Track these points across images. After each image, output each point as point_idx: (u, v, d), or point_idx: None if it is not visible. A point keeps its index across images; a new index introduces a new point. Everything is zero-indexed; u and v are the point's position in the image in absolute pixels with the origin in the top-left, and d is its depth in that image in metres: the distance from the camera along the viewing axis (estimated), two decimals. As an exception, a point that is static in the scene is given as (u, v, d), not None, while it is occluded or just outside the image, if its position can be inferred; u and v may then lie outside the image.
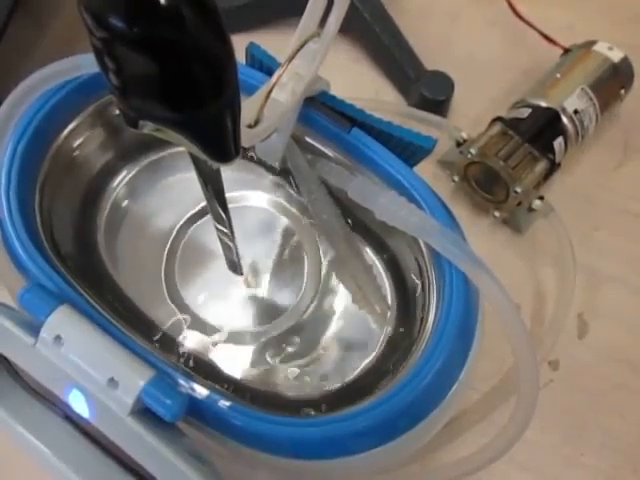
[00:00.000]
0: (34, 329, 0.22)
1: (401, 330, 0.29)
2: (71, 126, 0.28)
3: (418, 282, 0.28)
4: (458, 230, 0.26)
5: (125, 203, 0.31)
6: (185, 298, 0.30)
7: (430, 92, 0.41)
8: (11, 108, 0.24)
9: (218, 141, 0.18)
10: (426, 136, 0.29)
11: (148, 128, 0.18)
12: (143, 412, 0.22)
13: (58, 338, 0.22)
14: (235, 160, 0.18)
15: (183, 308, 0.30)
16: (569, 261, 0.36)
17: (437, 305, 0.26)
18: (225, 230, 0.25)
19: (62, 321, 0.22)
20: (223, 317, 0.30)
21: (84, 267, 0.27)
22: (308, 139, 0.29)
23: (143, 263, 0.31)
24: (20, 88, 0.24)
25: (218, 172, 0.22)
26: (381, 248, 0.30)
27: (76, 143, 0.28)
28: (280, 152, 0.28)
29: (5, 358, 0.28)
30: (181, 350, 0.29)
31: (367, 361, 0.29)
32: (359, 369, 0.30)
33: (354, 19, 0.43)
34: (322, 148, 0.28)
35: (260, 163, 0.32)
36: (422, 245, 0.27)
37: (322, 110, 0.27)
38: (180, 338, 0.29)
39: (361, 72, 0.45)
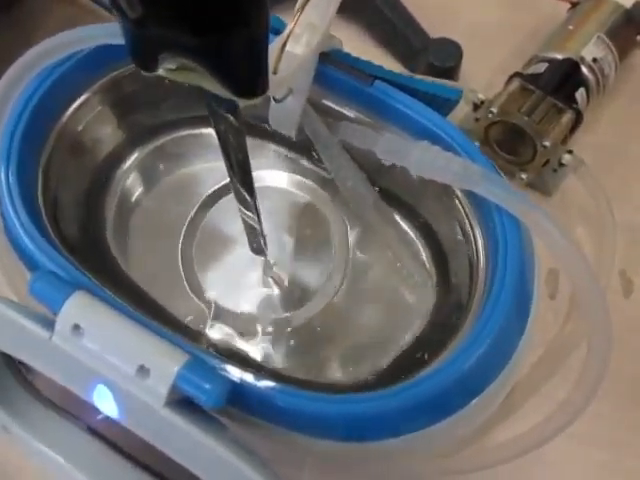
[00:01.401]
0: (47, 322, 0.20)
1: (447, 298, 0.26)
2: (75, 104, 0.26)
3: (461, 242, 0.25)
4: (501, 177, 0.24)
5: (135, 189, 0.29)
6: (206, 288, 0.28)
7: (438, 60, 0.39)
8: (8, 86, 0.22)
9: (244, 73, 0.15)
10: (451, 87, 0.27)
11: (166, 66, 0.16)
12: (180, 402, 0.19)
13: (77, 328, 0.19)
14: (260, 98, 0.16)
15: (205, 298, 0.28)
16: (606, 215, 0.33)
17: (486, 265, 0.24)
18: (249, 209, 0.24)
19: (80, 308, 0.19)
20: (248, 305, 0.28)
21: (91, 257, 0.25)
22: (325, 102, 0.26)
23: (157, 253, 0.28)
24: (17, 65, 0.22)
25: (242, 135, 0.20)
26: (412, 215, 0.28)
27: (82, 123, 0.26)
28: (297, 117, 0.26)
29: (18, 370, 0.26)
30: (207, 343, 0.27)
31: (411, 336, 0.27)
32: (403, 346, 0.27)
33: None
34: (341, 109, 0.26)
35: (273, 139, 0.30)
36: (462, 201, 0.25)
37: (339, 65, 0.25)
38: (205, 330, 0.27)
39: (363, 49, 0.43)
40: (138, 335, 0.19)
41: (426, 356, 0.25)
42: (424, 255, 0.28)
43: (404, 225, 0.28)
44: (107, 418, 0.21)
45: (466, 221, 0.25)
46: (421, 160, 0.23)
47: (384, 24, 0.41)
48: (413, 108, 0.24)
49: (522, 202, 0.21)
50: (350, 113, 0.26)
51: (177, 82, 0.17)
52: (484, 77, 0.43)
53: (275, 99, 0.24)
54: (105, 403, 0.20)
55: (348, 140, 0.26)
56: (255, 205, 0.23)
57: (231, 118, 0.20)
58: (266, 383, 0.20)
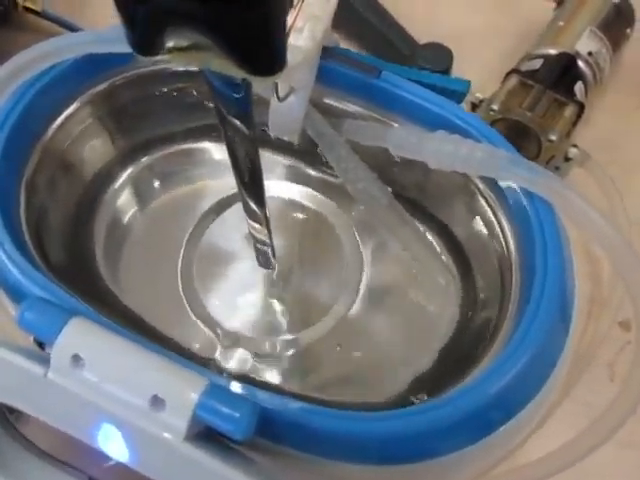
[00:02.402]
0: (40, 358, 0.17)
1: (474, 305, 0.24)
2: (61, 118, 0.24)
3: (486, 240, 0.24)
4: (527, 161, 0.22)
5: (127, 208, 0.27)
6: (211, 311, 0.26)
7: (429, 64, 0.38)
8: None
9: (261, 46, 0.14)
10: (458, 79, 0.26)
11: (172, 45, 0.14)
12: (201, 436, 0.16)
13: (76, 359, 0.17)
14: (278, 75, 0.14)
15: (211, 322, 0.25)
16: (617, 205, 0.32)
17: (520, 264, 0.22)
18: (259, 222, 0.22)
19: (78, 335, 0.17)
20: (258, 326, 0.26)
21: (80, 283, 0.22)
22: (327, 100, 0.25)
23: (154, 277, 0.26)
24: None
25: (254, 143, 0.19)
26: (427, 216, 0.26)
27: (69, 138, 0.24)
28: (299, 118, 0.24)
29: (5, 418, 0.22)
30: (218, 370, 0.24)
31: (435, 350, 0.25)
32: (427, 361, 0.25)
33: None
34: (345, 107, 0.25)
35: (272, 147, 0.28)
36: (485, 195, 0.23)
37: (342, 59, 0.24)
38: (215, 356, 0.24)
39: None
40: (148, 362, 0.17)
41: (456, 370, 0.23)
42: (444, 256, 0.26)
43: (421, 226, 0.26)
44: (115, 465, 0.18)
45: (491, 216, 0.23)
46: (439, 151, 0.21)
47: (371, 33, 0.41)
48: (424, 97, 0.23)
49: (555, 183, 0.20)
50: (355, 109, 0.25)
51: (179, 68, 0.15)
52: (475, 80, 0.41)
53: (278, 97, 0.22)
54: (112, 445, 0.17)
55: (355, 139, 0.24)
56: (265, 217, 0.22)
57: (241, 125, 0.18)
58: (297, 405, 0.17)
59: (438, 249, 0.26)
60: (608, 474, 0.29)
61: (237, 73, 0.14)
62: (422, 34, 0.42)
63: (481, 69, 0.43)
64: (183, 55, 0.14)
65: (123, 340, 0.17)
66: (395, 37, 0.40)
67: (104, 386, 0.16)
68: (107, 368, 0.16)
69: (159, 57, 0.15)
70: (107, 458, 0.18)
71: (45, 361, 0.17)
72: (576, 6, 0.38)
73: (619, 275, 0.20)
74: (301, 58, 0.21)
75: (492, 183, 0.23)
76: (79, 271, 0.24)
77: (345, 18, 0.41)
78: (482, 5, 0.45)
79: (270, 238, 0.23)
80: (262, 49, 0.14)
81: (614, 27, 0.37)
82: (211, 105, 0.28)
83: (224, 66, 0.14)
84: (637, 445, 0.29)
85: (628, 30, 0.38)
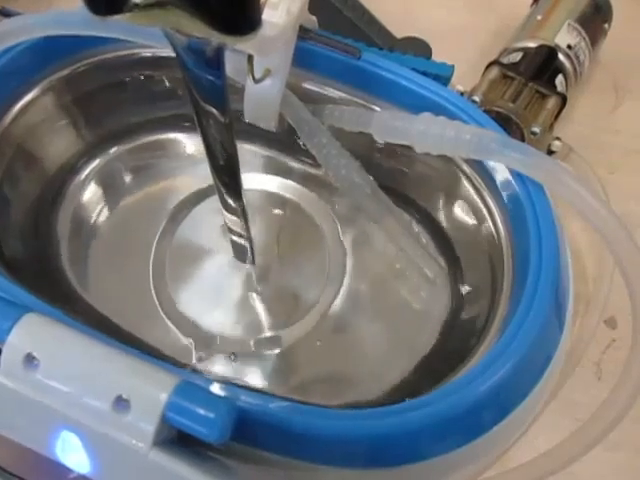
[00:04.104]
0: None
1: (464, 297, 0.23)
2: (20, 104, 0.22)
3: (474, 228, 0.23)
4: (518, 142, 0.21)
5: (93, 203, 0.25)
6: (186, 310, 0.24)
7: (408, 58, 0.38)
8: None
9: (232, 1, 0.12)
10: (442, 63, 0.25)
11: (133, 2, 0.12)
12: (171, 441, 0.15)
13: (30, 359, 0.15)
14: (253, 34, 0.13)
15: (185, 324, 0.24)
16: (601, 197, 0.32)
17: (512, 251, 0.21)
18: (236, 215, 0.21)
19: (32, 333, 0.15)
20: (235, 325, 0.24)
21: (42, 283, 0.21)
22: (307, 85, 0.24)
23: (123, 276, 0.24)
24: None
25: (230, 131, 0.18)
26: (411, 205, 0.25)
27: (28, 126, 0.22)
28: (276, 104, 0.23)
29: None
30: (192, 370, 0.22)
31: (425, 345, 0.24)
32: (416, 358, 0.24)
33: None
34: (325, 92, 0.23)
35: (248, 137, 0.27)
36: (473, 180, 0.22)
37: (321, 40, 0.22)
38: (189, 360, 0.22)
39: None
40: (111, 359, 0.15)
41: (445, 367, 0.21)
42: (432, 246, 0.25)
43: (406, 215, 0.25)
44: (76, 478, 0.16)
45: (479, 202, 0.22)
46: (426, 133, 0.20)
47: (348, 27, 0.40)
48: (409, 78, 0.22)
49: (548, 164, 0.19)
50: (335, 94, 0.23)
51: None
52: (454, 74, 0.42)
53: (254, 78, 0.21)
54: (72, 455, 0.15)
55: (337, 124, 0.23)
56: (243, 209, 0.21)
57: (216, 111, 0.17)
58: (278, 404, 0.16)
59: (424, 240, 0.25)
60: (597, 476, 0.28)
61: (207, 34, 0.13)
62: (399, 30, 0.41)
63: (459, 65, 0.43)
64: (145, 15, 0.13)
65: (82, 337, 0.15)
66: (371, 30, 0.39)
67: (61, 388, 0.14)
68: (64, 368, 0.15)
69: (118, 17, 0.13)
70: (67, 470, 0.16)
71: (-5, 363, 0.15)
72: (554, 1, 0.37)
73: (614, 257, 0.20)
74: (276, 32, 0.20)
75: (479, 167, 0.22)
76: (40, 270, 0.22)
77: (322, 13, 0.40)
78: (459, 1, 0.45)
79: (248, 231, 0.22)
80: (232, 5, 0.12)
81: (592, 21, 0.37)
82: (182, 93, 0.26)
83: (193, 26, 0.13)
84: (625, 446, 0.28)
85: (605, 25, 0.38)
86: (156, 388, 0.14)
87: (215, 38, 0.13)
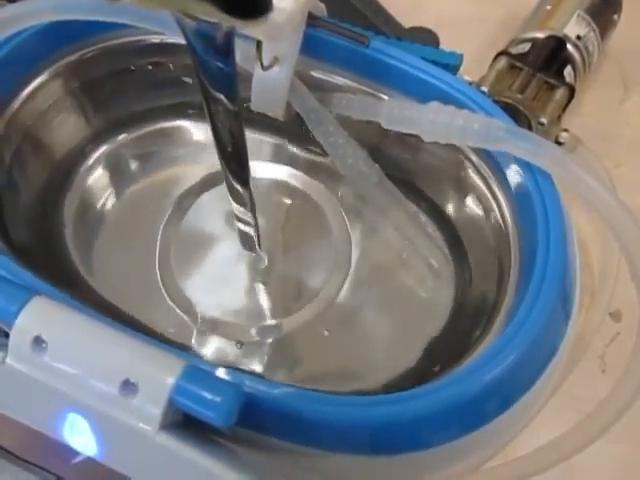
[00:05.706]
0: (-2, 342, 0.16)
1: (469, 288, 0.23)
2: (29, 89, 0.22)
3: (480, 219, 0.22)
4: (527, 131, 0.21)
5: (100, 189, 0.25)
6: (190, 296, 0.24)
7: (415, 48, 0.38)
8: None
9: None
10: (450, 52, 0.25)
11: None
12: (178, 425, 0.15)
13: (38, 341, 0.15)
14: (264, 18, 0.13)
15: (189, 308, 0.24)
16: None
17: (519, 243, 0.20)
18: (243, 204, 0.21)
19: (40, 315, 0.15)
20: (240, 311, 0.24)
21: (47, 266, 0.21)
22: (313, 73, 0.24)
23: (128, 262, 0.24)
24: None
25: (239, 118, 0.18)
26: (419, 195, 0.25)
27: (37, 111, 0.22)
28: (284, 92, 0.23)
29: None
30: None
31: (430, 337, 0.24)
32: (421, 348, 0.24)
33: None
34: (333, 80, 0.23)
35: (258, 127, 0.27)
36: (481, 170, 0.22)
37: (329, 27, 0.22)
38: (191, 342, 0.23)
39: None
40: (118, 343, 0.15)
41: (451, 357, 0.21)
42: (438, 236, 0.25)
43: (413, 206, 0.25)
44: (84, 460, 0.16)
45: (486, 191, 0.22)
46: (434, 122, 0.20)
47: (352, 15, 0.39)
48: (418, 67, 0.21)
49: (557, 154, 0.19)
50: (343, 82, 0.23)
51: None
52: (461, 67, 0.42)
53: (262, 65, 0.21)
54: (79, 438, 0.15)
55: (345, 113, 0.23)
56: (250, 197, 0.21)
57: (225, 99, 0.17)
58: (284, 390, 0.16)
59: (430, 230, 0.25)
60: (597, 469, 0.28)
61: (217, 17, 0.13)
62: (406, 20, 0.41)
63: (466, 55, 0.43)
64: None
65: (90, 320, 0.15)
66: (378, 20, 0.39)
67: (68, 370, 0.15)
68: (72, 350, 0.15)
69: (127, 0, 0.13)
70: (75, 453, 0.17)
71: (3, 346, 0.15)
72: (564, -10, 0.37)
73: (621, 247, 0.19)
74: (285, 17, 0.19)
75: (487, 157, 0.22)
76: (47, 255, 0.22)
77: (330, 1, 0.40)
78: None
79: (255, 219, 0.22)
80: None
81: (602, 12, 0.37)
82: (188, 80, 0.26)
83: (202, 9, 0.13)
84: (627, 439, 0.28)
85: (615, 16, 0.38)
86: (163, 371, 0.14)
87: (225, 21, 0.13)
